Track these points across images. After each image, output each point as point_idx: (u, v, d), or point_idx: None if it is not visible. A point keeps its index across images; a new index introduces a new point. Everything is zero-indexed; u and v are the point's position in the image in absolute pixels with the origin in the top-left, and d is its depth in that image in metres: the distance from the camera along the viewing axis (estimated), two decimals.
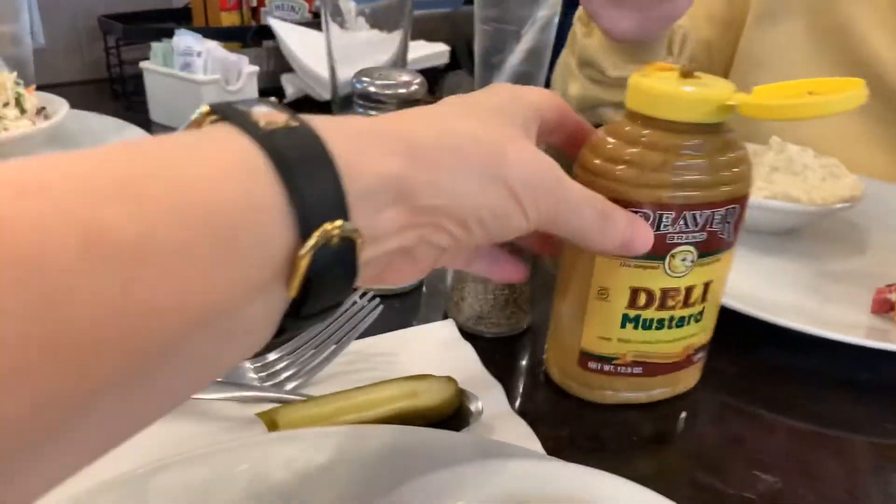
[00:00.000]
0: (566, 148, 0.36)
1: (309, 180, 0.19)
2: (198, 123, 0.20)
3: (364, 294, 0.43)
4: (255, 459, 0.30)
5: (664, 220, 0.35)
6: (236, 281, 0.18)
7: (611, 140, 0.35)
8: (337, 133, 0.20)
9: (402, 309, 0.49)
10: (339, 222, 0.19)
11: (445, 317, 0.47)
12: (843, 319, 0.47)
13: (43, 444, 0.16)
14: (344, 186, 0.20)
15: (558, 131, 0.34)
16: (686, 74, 0.35)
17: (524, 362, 0.45)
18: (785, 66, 0.78)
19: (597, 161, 0.35)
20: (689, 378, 0.40)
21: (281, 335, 0.21)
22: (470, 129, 0.25)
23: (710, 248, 0.36)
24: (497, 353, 0.44)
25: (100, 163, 0.16)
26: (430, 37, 1.07)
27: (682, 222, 0.35)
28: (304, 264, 0.19)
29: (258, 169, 0.18)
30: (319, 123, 0.21)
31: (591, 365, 0.39)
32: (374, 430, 0.32)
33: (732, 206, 0.35)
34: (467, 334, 0.45)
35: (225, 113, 0.20)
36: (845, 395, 0.43)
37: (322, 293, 0.20)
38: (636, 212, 0.34)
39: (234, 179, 0.18)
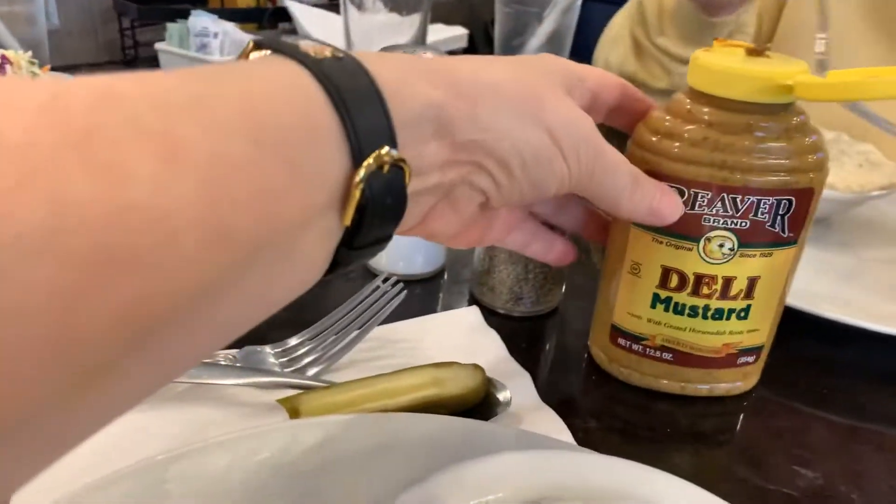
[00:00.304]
0: (630, 129, 0.35)
1: (360, 107, 0.19)
2: (245, 56, 0.21)
3: (387, 279, 0.41)
4: (277, 447, 0.29)
5: (700, 199, 0.33)
6: (300, 204, 0.18)
7: (658, 114, 0.34)
8: (380, 65, 0.21)
9: (424, 295, 0.48)
10: (388, 149, 0.20)
11: (470, 303, 0.46)
12: (881, 310, 0.45)
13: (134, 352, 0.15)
14: (391, 114, 0.20)
15: (621, 112, 0.33)
16: (754, 52, 0.33)
17: (552, 346, 0.43)
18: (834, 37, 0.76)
19: (644, 135, 0.34)
20: (732, 379, 0.38)
21: (334, 270, 0.21)
22: (508, 73, 0.25)
23: (753, 239, 0.34)
24: (523, 336, 0.43)
25: (170, 81, 0.16)
26: (447, 20, 1.06)
27: (719, 204, 0.33)
28: (358, 191, 0.19)
29: (313, 94, 0.19)
30: (363, 56, 0.21)
31: (621, 342, 0.38)
32: (400, 419, 0.31)
33: (786, 197, 0.33)
34: (492, 317, 0.44)
35: (272, 46, 0.20)
36: (886, 387, 0.41)
37: (374, 222, 0.20)
38: (672, 187, 0.33)
39: (294, 102, 0.18)
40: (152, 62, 0.82)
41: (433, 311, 0.45)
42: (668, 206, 0.31)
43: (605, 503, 0.23)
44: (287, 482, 0.28)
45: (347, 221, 0.20)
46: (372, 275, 0.48)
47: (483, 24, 1.15)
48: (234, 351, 0.38)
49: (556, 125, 0.25)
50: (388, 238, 0.22)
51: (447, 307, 0.46)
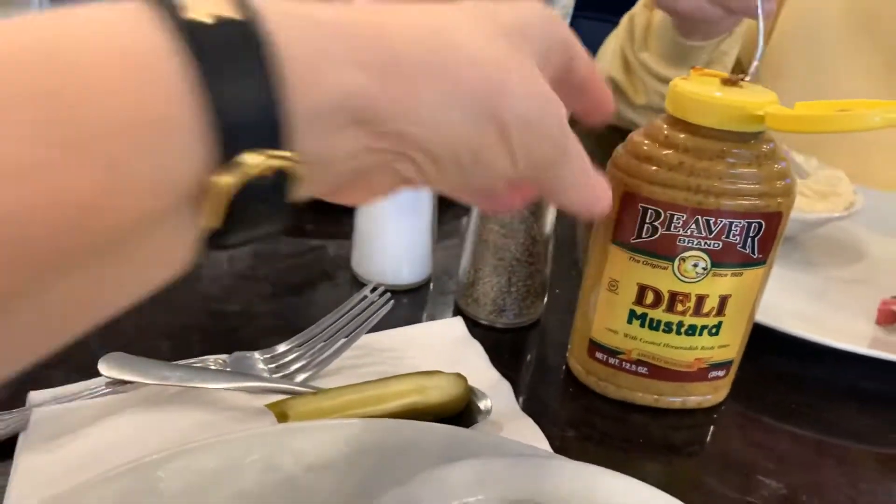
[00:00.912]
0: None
1: (234, 96, 0.15)
2: None
3: (375, 289, 0.43)
4: (266, 450, 0.30)
5: (675, 220, 0.35)
6: (126, 210, 0.15)
7: (637, 139, 0.36)
8: (295, 29, 0.17)
9: (410, 305, 0.49)
10: (270, 151, 0.16)
11: (454, 314, 0.48)
12: (847, 328, 0.47)
13: None
14: (289, 103, 0.16)
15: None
16: (728, 82, 0.35)
17: (532, 357, 0.45)
18: (815, 48, 0.79)
19: (623, 157, 0.36)
20: (703, 392, 0.40)
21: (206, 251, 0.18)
22: (470, 46, 0.20)
23: (725, 259, 0.36)
24: (505, 347, 0.44)
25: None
26: None
27: (693, 226, 0.35)
28: (221, 193, 0.16)
29: (165, 74, 0.15)
30: (274, 14, 0.16)
31: (599, 355, 0.40)
32: (385, 424, 0.32)
33: (756, 220, 0.35)
34: (475, 327, 0.45)
35: None
36: (850, 404, 0.43)
37: (244, 227, 0.17)
38: (646, 208, 0.35)
39: (130, 86, 0.14)
40: None
41: (419, 320, 0.47)
42: (604, 202, 0.26)
43: None
44: (275, 484, 0.29)
45: (207, 224, 0.16)
46: (359, 283, 0.49)
47: None
48: (223, 356, 0.39)
49: (512, 122, 0.21)
50: (270, 236, 0.18)
51: (432, 317, 0.47)
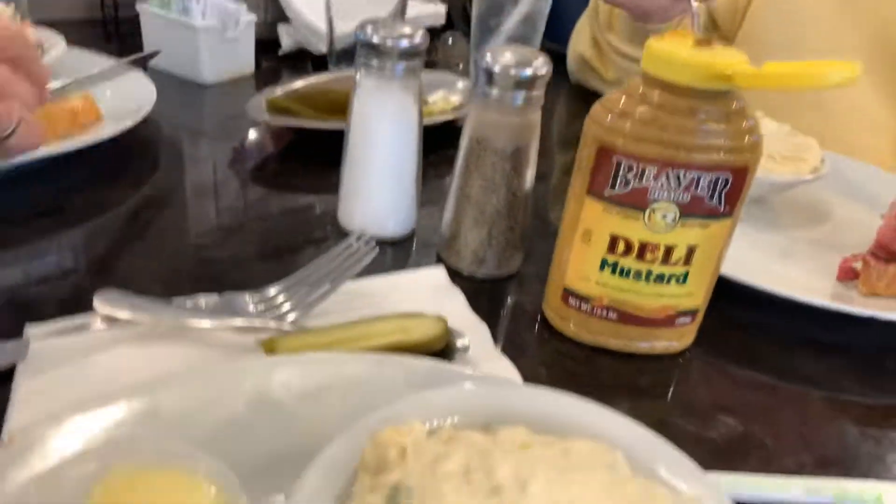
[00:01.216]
0: None
1: None
2: None
3: (360, 237, 0.44)
4: (258, 380, 0.32)
5: (647, 173, 0.37)
6: None
7: (615, 96, 0.38)
8: None
9: (394, 256, 0.51)
10: None
11: (438, 263, 0.49)
12: (809, 284, 0.50)
13: None
14: None
15: None
16: (700, 43, 0.36)
17: (510, 305, 0.47)
18: (795, 23, 0.81)
19: (600, 113, 0.38)
20: (671, 338, 0.42)
21: None
22: None
23: (693, 211, 0.38)
24: (485, 297, 0.46)
25: None
26: None
27: (664, 178, 0.37)
28: None
29: None
30: None
31: (572, 301, 0.42)
32: (371, 357, 0.34)
33: (722, 174, 0.37)
34: (456, 278, 0.47)
35: None
36: (806, 352, 0.46)
37: None
38: (620, 161, 0.37)
39: None
40: (133, 22, 0.82)
41: (402, 269, 0.48)
42: None
43: (550, 429, 0.27)
44: (267, 411, 0.31)
45: None
46: (346, 235, 0.51)
47: (461, 1, 1.17)
48: (214, 296, 0.41)
49: None
50: None
51: (416, 267, 0.49)
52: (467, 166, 0.46)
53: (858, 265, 0.50)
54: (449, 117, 0.68)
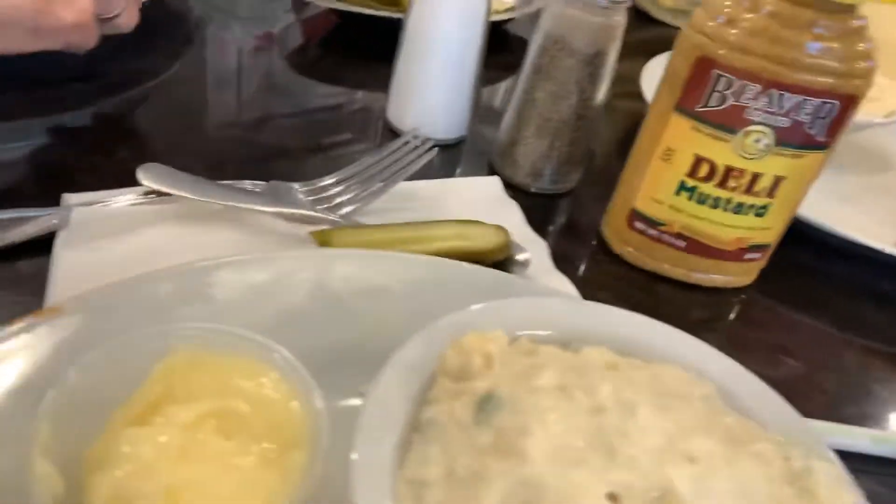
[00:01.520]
0: None
1: None
2: None
3: (416, 136, 0.42)
4: (315, 271, 0.30)
5: (747, 91, 0.34)
6: None
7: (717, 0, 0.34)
8: None
9: (443, 160, 0.48)
10: None
11: (489, 172, 0.47)
12: (871, 231, 0.47)
13: None
14: None
15: None
16: None
17: (563, 223, 0.45)
18: None
19: (701, 18, 0.34)
20: (736, 273, 0.40)
21: None
22: None
23: (791, 139, 0.35)
24: (538, 211, 0.44)
25: None
26: None
27: (765, 99, 0.34)
28: None
29: None
30: None
31: (638, 225, 0.40)
32: (434, 260, 0.32)
33: (830, 100, 0.34)
34: (507, 189, 0.45)
35: None
36: (867, 301, 0.44)
37: None
38: (720, 75, 0.34)
39: None
40: None
41: (451, 176, 0.46)
42: None
43: (632, 352, 0.25)
44: (324, 304, 0.29)
45: None
46: (391, 133, 0.48)
47: None
48: (261, 183, 0.38)
49: None
50: None
51: (467, 175, 0.47)
52: (538, 68, 0.43)
53: None
54: (502, 17, 0.64)
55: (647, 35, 0.75)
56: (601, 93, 0.43)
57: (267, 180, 0.39)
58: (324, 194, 0.38)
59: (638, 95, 0.54)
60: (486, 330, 0.24)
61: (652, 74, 0.58)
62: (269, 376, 0.22)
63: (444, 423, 0.20)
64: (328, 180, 0.39)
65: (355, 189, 0.39)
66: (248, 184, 0.38)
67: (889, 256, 0.43)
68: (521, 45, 0.70)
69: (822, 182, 0.52)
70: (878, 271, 0.45)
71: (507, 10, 0.66)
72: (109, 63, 0.50)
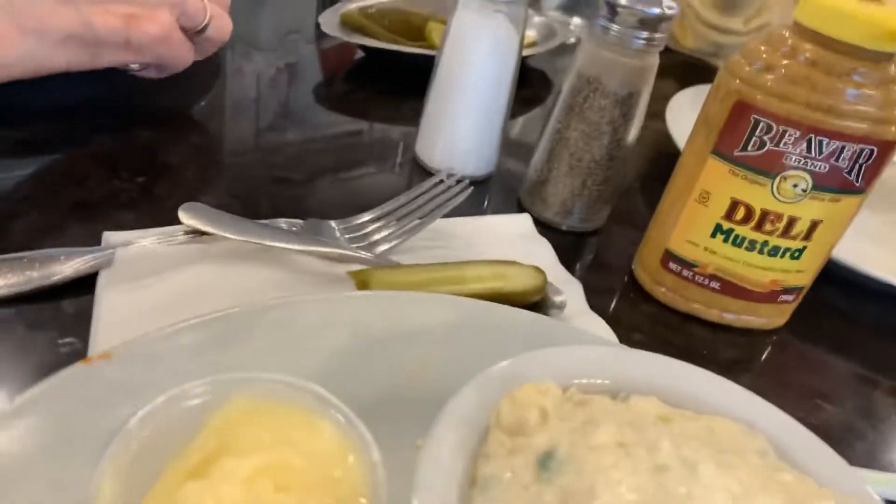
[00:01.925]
0: None
1: None
2: None
3: (451, 174, 0.42)
4: (357, 314, 0.30)
5: (787, 136, 0.34)
6: None
7: (754, 46, 0.35)
8: None
9: (472, 195, 0.48)
10: None
11: (518, 210, 0.47)
12: None
13: None
14: None
15: None
16: None
17: (594, 261, 0.45)
18: None
19: (739, 64, 0.35)
20: (769, 314, 0.40)
21: None
22: None
23: (829, 183, 0.35)
24: (568, 249, 0.44)
25: None
26: None
27: (804, 145, 0.34)
28: None
29: None
30: None
31: (672, 266, 0.40)
32: (473, 303, 0.32)
33: (869, 146, 0.34)
34: (538, 227, 0.45)
35: None
36: None
37: None
38: (759, 120, 0.34)
39: None
40: None
41: (482, 212, 0.46)
42: None
43: (680, 402, 0.25)
44: (367, 346, 0.29)
45: None
46: (420, 168, 0.48)
47: None
48: (298, 221, 0.38)
49: None
50: None
51: (495, 210, 0.47)
52: (570, 107, 0.43)
53: None
54: (527, 52, 0.64)
55: (668, 61, 0.75)
56: (633, 132, 0.43)
57: (300, 216, 0.39)
58: (360, 232, 0.38)
59: (661, 121, 0.55)
60: (536, 380, 0.24)
61: (678, 107, 0.59)
62: (326, 428, 0.22)
63: (505, 480, 0.20)
64: (364, 217, 0.39)
65: (392, 227, 0.39)
66: (283, 222, 0.38)
67: None
68: (540, 77, 0.71)
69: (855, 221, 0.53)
70: None
71: (529, 45, 0.67)
72: (140, 97, 0.51)
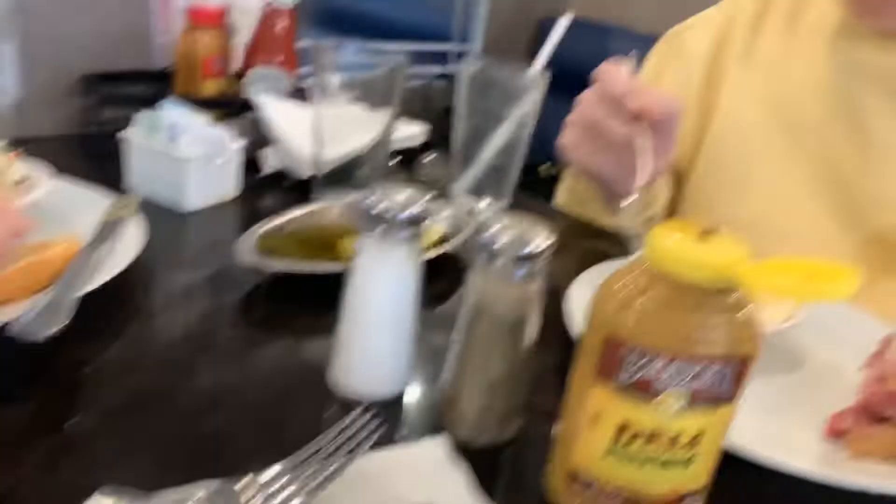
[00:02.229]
0: None
1: None
2: None
3: (365, 409, 0.43)
4: None
5: (654, 363, 0.37)
6: None
7: (617, 285, 0.39)
8: None
9: (387, 415, 0.49)
10: None
11: (434, 427, 0.48)
12: (797, 441, 0.50)
13: None
14: None
15: None
16: (705, 234, 0.38)
17: (509, 477, 0.46)
18: (744, 155, 0.85)
19: (605, 304, 0.39)
20: None
21: None
22: None
23: (701, 398, 0.38)
24: (484, 465, 0.45)
25: None
26: (406, 111, 1.10)
27: (673, 368, 0.38)
28: None
29: None
30: None
31: (575, 487, 0.41)
32: None
33: (728, 364, 0.38)
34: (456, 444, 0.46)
35: None
36: None
37: None
38: (627, 352, 0.37)
39: None
40: (109, 141, 0.81)
41: (398, 433, 0.47)
42: None
43: None
44: None
45: None
46: (338, 400, 0.50)
47: (440, 113, 1.21)
48: (215, 482, 0.39)
49: None
50: None
51: (412, 431, 0.48)
52: (468, 331, 0.46)
53: (847, 423, 0.51)
54: (434, 253, 0.68)
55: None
56: (526, 350, 0.46)
57: (219, 473, 0.39)
58: (270, 489, 0.39)
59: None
60: None
61: (576, 300, 0.63)
62: None
63: None
64: (275, 471, 0.40)
65: (305, 478, 0.39)
66: (197, 489, 0.38)
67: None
68: (453, 266, 0.75)
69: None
70: (809, 486, 0.47)
71: (436, 242, 0.71)
72: (49, 355, 0.50)
